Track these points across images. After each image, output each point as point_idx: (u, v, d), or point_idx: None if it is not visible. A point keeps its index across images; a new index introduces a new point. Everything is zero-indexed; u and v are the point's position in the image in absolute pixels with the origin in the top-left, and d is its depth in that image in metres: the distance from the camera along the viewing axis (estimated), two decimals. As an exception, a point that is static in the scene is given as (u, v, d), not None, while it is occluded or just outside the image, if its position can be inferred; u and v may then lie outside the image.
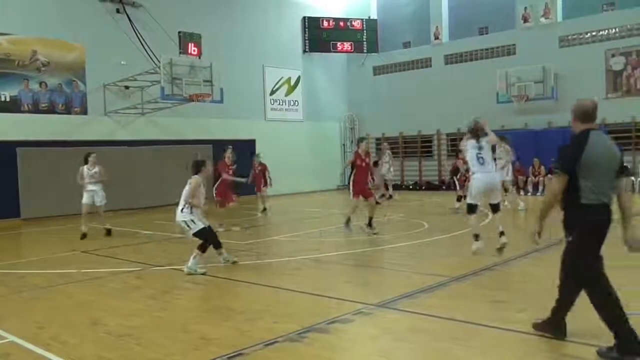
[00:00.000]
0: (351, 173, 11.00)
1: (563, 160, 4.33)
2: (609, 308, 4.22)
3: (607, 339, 4.20)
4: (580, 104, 4.42)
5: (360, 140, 11.28)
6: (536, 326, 4.75)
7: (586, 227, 4.27)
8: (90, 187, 11.51)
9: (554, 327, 4.61)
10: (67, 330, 5.36)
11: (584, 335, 4.57)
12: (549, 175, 18.52)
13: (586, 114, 4.37)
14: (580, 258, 4.32)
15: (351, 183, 10.95)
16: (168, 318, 5.77)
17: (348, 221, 10.88)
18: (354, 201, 10.84)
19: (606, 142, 4.38)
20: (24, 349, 4.86)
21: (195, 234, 7.91)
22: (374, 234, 10.60)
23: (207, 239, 7.92)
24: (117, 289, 6.94)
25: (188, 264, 7.69)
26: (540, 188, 18.58)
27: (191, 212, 7.82)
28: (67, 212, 15.77)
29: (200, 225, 7.86)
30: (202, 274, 7.60)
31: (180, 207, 7.87)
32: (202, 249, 7.82)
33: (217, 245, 8.07)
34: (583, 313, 5.25)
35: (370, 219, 10.75)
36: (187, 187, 7.87)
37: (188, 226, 7.87)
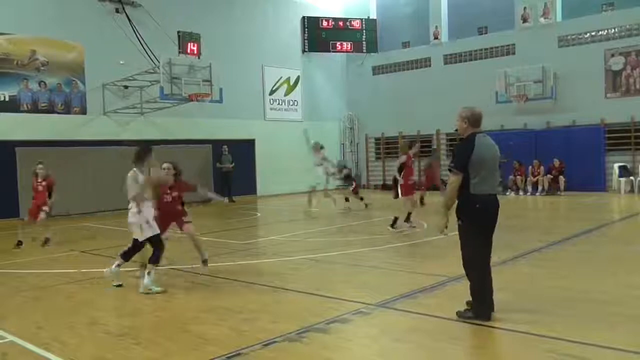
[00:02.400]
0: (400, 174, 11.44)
1: (458, 159, 5.07)
2: (480, 286, 5.14)
3: (605, 337, 4.18)
4: (473, 112, 5.15)
5: (413, 143, 12.34)
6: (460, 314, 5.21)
7: (473, 213, 5.03)
8: None
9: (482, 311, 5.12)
10: (66, 330, 5.36)
11: (582, 334, 4.59)
12: (548, 175, 18.57)
13: (477, 121, 5.16)
14: (469, 239, 5.09)
15: (401, 184, 11.41)
16: (167, 318, 5.78)
17: (408, 219, 11.38)
18: (410, 200, 11.40)
19: (489, 142, 5.17)
20: (23, 349, 4.87)
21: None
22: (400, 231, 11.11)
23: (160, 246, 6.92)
24: (115, 289, 6.94)
25: (144, 282, 6.74)
26: (540, 188, 18.60)
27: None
28: (66, 212, 15.86)
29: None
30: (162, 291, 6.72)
31: (136, 209, 6.79)
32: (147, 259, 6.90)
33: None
34: (580, 315, 5.25)
35: (396, 219, 11.35)
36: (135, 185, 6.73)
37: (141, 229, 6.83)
